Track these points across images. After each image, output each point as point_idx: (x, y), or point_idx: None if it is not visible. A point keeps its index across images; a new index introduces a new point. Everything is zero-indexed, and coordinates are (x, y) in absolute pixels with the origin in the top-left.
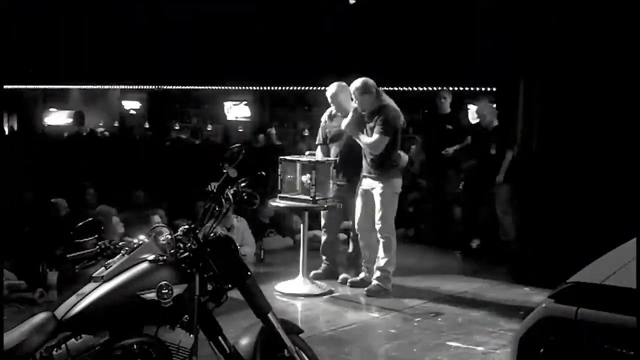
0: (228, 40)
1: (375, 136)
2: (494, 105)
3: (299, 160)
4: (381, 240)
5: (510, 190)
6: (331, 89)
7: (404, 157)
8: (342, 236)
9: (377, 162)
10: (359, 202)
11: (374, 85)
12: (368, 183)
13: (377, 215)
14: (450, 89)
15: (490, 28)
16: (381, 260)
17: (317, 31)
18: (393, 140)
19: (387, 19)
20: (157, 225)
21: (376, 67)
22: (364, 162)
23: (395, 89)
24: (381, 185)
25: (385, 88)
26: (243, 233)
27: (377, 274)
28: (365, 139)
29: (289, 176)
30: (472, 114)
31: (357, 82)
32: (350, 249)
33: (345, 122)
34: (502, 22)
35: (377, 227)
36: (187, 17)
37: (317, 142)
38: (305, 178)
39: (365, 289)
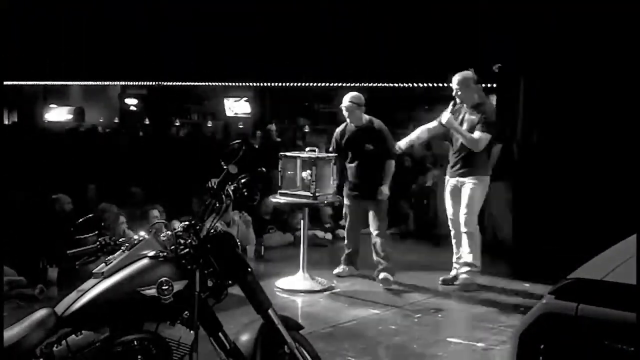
0: (228, 37)
1: (480, 134)
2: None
3: (298, 157)
4: (466, 235)
5: (505, 187)
6: (345, 100)
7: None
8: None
9: (476, 160)
10: (448, 200)
11: (475, 79)
12: (460, 180)
13: (465, 210)
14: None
15: (490, 25)
16: (468, 255)
17: (317, 29)
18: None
19: (388, 16)
20: (157, 221)
21: (376, 65)
22: (452, 160)
23: (396, 85)
24: (475, 181)
25: (385, 85)
26: (244, 230)
27: (465, 268)
28: (466, 135)
29: (289, 172)
30: None
31: (459, 75)
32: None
33: (445, 116)
34: (502, 19)
35: (463, 221)
36: (187, 14)
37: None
38: (305, 174)
39: (456, 282)
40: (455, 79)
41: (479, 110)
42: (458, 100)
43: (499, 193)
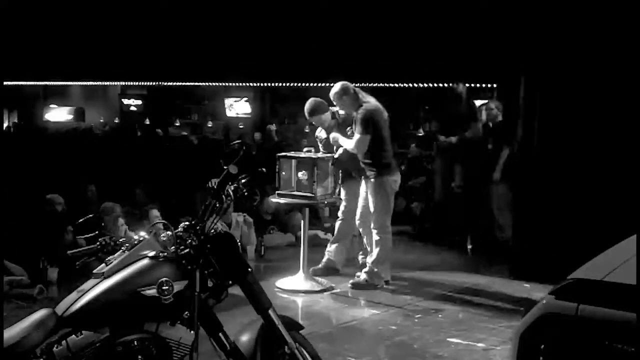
0: (228, 37)
1: (356, 136)
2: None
3: (293, 157)
4: (374, 238)
5: (507, 187)
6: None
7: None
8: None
9: (369, 162)
10: (360, 202)
11: (351, 86)
12: (364, 183)
13: (372, 212)
14: (451, 85)
15: (490, 24)
16: (371, 256)
17: (317, 28)
18: (377, 137)
19: (388, 15)
20: (157, 221)
21: (377, 63)
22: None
23: (396, 85)
24: (374, 184)
25: (386, 84)
26: (245, 231)
27: (367, 268)
28: (347, 143)
29: (284, 173)
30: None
31: (335, 87)
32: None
33: (332, 135)
34: (502, 17)
35: (372, 224)
36: (187, 12)
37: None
38: (301, 174)
39: (351, 281)
40: (330, 94)
41: (356, 115)
42: (341, 113)
43: (499, 194)
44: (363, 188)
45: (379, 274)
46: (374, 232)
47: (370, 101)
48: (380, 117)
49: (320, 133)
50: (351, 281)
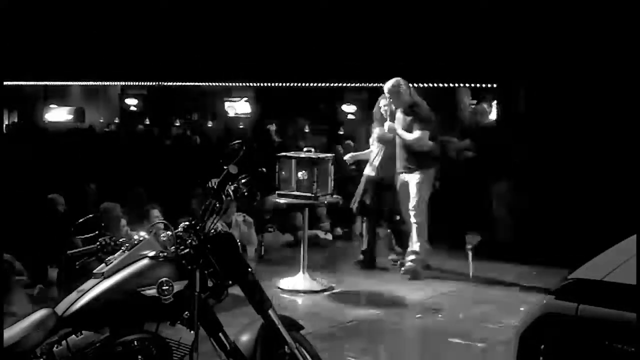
0: (228, 37)
1: (418, 132)
2: (494, 102)
3: (293, 157)
4: (415, 226)
5: (506, 188)
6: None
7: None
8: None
9: (419, 156)
10: (402, 194)
11: (406, 82)
12: (407, 177)
13: (413, 202)
14: (451, 85)
15: (491, 25)
16: (416, 244)
17: (317, 28)
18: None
19: (388, 16)
20: (157, 221)
21: (377, 64)
22: (400, 158)
23: None
24: (420, 175)
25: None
26: (246, 231)
27: (411, 257)
28: (407, 136)
29: (283, 173)
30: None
31: (391, 82)
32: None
33: (387, 125)
34: (503, 18)
35: (412, 213)
36: (187, 12)
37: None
38: (301, 174)
39: (402, 269)
40: (385, 87)
41: (413, 111)
42: (393, 107)
43: (499, 194)
44: (403, 180)
45: (425, 260)
46: (414, 219)
47: (423, 102)
48: (433, 115)
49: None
50: (403, 269)
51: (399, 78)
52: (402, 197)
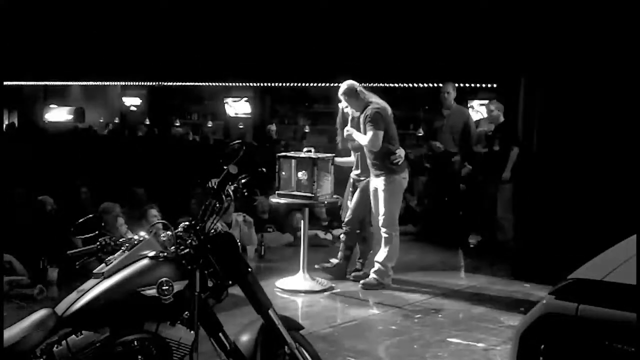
0: (228, 37)
1: (369, 133)
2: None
3: (293, 157)
4: (383, 236)
5: (506, 188)
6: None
7: (401, 151)
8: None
9: (378, 160)
10: (372, 200)
11: (357, 85)
12: (374, 182)
13: (381, 211)
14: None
15: (490, 24)
16: (381, 255)
17: (318, 28)
18: (386, 135)
19: (388, 15)
20: (157, 221)
21: (377, 64)
22: (368, 164)
23: (396, 85)
24: (384, 182)
25: (386, 84)
26: (246, 231)
27: (376, 267)
28: (361, 138)
29: (283, 173)
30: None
31: (342, 86)
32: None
33: (347, 129)
34: (502, 18)
35: (380, 222)
36: (187, 12)
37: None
38: (301, 174)
39: (362, 281)
40: (339, 92)
41: (364, 112)
42: (347, 110)
43: (508, 194)
44: (372, 186)
45: (387, 272)
46: (383, 230)
47: (376, 100)
48: (387, 115)
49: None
50: (362, 282)
51: (351, 81)
52: (373, 204)
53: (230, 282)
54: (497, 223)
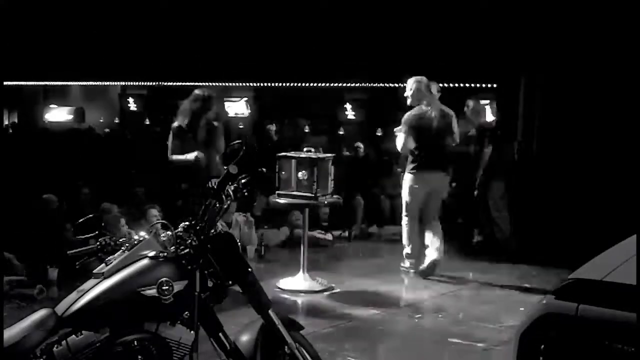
0: (228, 37)
1: (397, 135)
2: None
3: (293, 157)
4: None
5: (503, 187)
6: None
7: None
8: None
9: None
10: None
11: (418, 82)
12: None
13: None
14: (450, 85)
15: (490, 24)
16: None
17: (318, 28)
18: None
19: (388, 15)
20: (157, 221)
21: (377, 64)
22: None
23: (396, 85)
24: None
25: (386, 84)
26: (246, 231)
27: (437, 256)
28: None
29: (283, 173)
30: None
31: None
32: None
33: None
34: (502, 18)
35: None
36: (187, 12)
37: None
38: (301, 174)
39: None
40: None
41: None
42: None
43: (498, 193)
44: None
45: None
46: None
47: (422, 105)
48: (416, 120)
49: None
50: (421, 267)
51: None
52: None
53: (230, 282)
54: (493, 222)
